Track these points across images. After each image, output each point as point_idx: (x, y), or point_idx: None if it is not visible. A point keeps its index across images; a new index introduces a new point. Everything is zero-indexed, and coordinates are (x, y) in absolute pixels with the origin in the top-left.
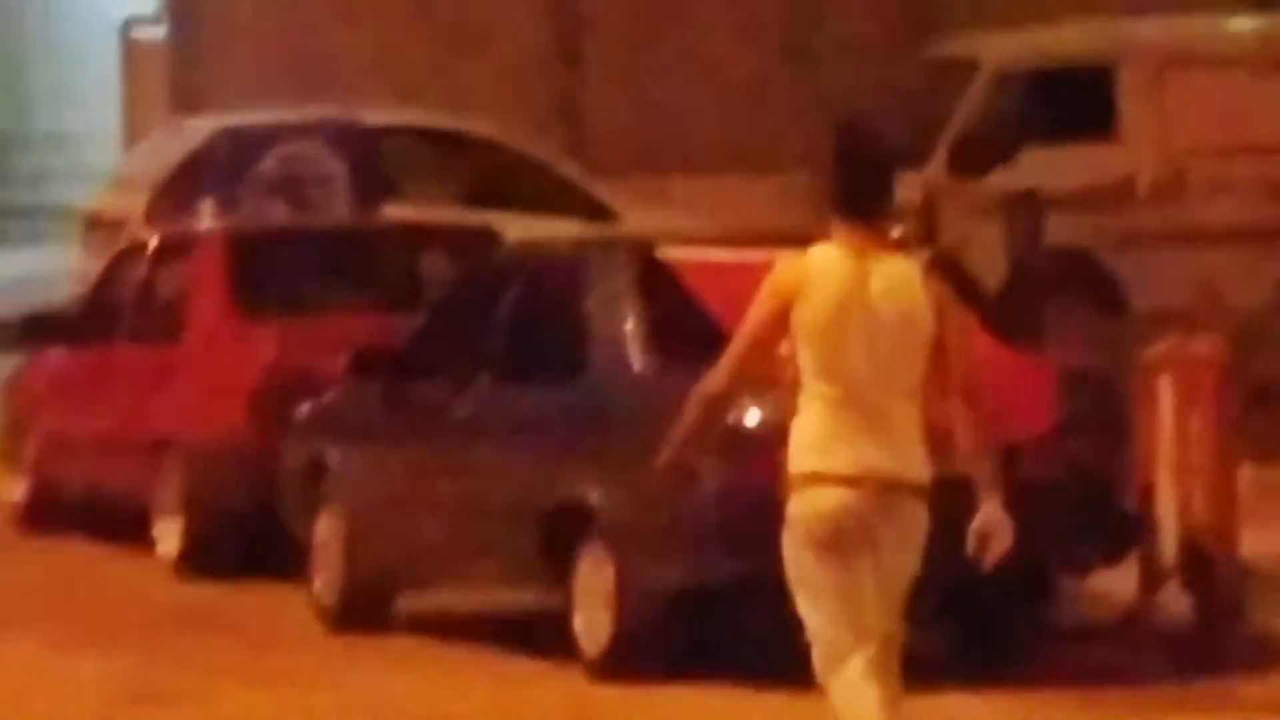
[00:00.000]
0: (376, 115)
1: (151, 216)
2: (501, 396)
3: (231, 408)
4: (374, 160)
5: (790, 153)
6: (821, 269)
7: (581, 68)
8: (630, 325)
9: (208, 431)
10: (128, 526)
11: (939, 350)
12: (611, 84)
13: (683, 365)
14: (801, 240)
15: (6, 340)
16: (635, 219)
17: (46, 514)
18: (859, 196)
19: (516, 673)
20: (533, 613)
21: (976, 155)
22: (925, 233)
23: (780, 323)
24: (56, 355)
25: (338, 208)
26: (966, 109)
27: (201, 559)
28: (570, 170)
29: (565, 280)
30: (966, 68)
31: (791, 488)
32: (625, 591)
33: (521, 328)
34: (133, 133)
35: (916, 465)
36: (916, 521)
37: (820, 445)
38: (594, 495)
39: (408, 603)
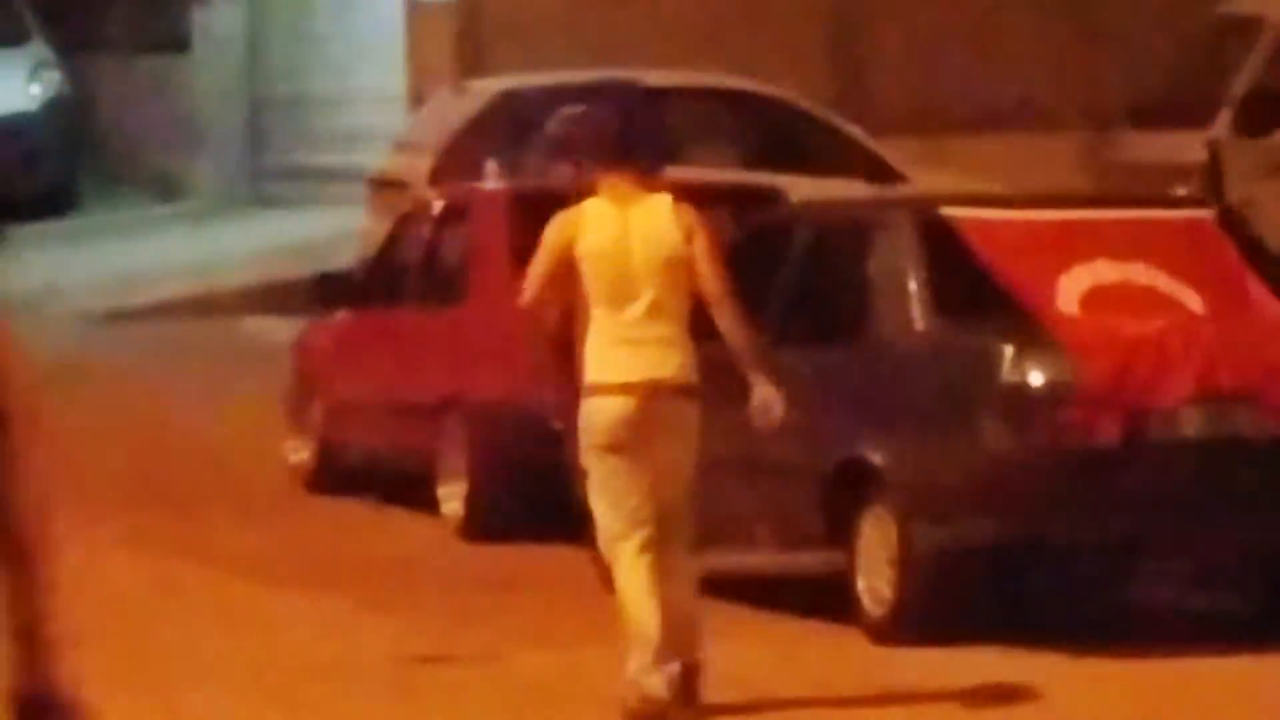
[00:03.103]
0: (659, 77)
1: (436, 178)
2: (785, 356)
3: (516, 369)
4: (656, 122)
5: (1073, 112)
6: (594, 217)
7: (863, 27)
8: (914, 285)
9: (492, 393)
10: (412, 488)
11: (696, 268)
12: (892, 43)
13: (966, 324)
14: (1082, 201)
15: (295, 303)
16: (921, 180)
17: (332, 476)
18: (619, 151)
19: (798, 634)
20: (814, 575)
21: (1262, 113)
22: (1210, 192)
23: (562, 264)
24: (343, 317)
25: None
26: (1251, 67)
27: (486, 521)
28: (855, 130)
29: (849, 240)
30: (1253, 26)
31: (583, 397)
32: (908, 553)
33: (805, 287)
34: (417, 95)
35: (682, 369)
36: (686, 417)
37: (600, 360)
38: (877, 455)
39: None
